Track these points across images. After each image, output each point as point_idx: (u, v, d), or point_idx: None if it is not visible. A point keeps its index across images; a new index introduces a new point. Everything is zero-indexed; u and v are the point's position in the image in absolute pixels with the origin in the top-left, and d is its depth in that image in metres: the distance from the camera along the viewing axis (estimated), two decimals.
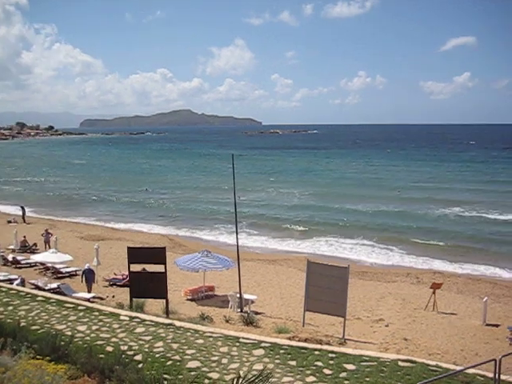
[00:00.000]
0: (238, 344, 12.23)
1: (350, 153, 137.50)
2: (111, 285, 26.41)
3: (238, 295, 22.66)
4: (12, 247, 33.64)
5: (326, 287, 19.05)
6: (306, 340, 14.34)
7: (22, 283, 23.93)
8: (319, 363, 10.90)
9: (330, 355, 11.39)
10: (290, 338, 14.06)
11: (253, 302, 23.36)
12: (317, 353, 11.58)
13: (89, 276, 24.93)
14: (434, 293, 23.67)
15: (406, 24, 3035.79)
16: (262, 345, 12.14)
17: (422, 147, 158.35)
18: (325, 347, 12.38)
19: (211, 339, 12.60)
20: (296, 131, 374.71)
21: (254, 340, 12.54)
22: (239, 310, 22.27)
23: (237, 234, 23.87)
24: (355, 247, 37.80)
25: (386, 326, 21.24)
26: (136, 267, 19.46)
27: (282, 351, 11.68)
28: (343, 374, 10.27)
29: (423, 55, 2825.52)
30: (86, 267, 25.27)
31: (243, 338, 12.76)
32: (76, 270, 28.17)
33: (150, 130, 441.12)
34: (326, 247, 38.01)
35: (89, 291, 24.27)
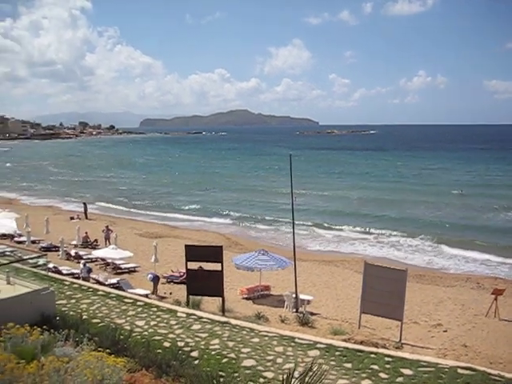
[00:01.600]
0: (293, 344, 12.20)
1: (414, 154, 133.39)
2: (169, 282, 26.85)
3: (294, 295, 22.62)
4: (74, 243, 34.68)
5: (383, 290, 18.75)
6: (361, 342, 14.17)
7: (89, 272, 24.81)
8: (375, 366, 10.74)
9: (387, 359, 11.21)
10: (345, 340, 13.94)
11: (308, 302, 23.26)
12: (373, 356, 11.42)
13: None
14: (495, 299, 22.88)
15: (468, 21, 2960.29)
16: (318, 346, 12.07)
17: (492, 149, 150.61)
18: (381, 350, 12.20)
19: (266, 338, 12.63)
20: (353, 131, 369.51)
21: (310, 341, 12.49)
22: (295, 310, 22.23)
23: (293, 234, 23.83)
24: (413, 250, 37.06)
25: (445, 331, 20.73)
26: (193, 265, 19.70)
27: (337, 353, 11.58)
28: (400, 379, 10.08)
29: (486, 53, 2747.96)
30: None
31: (298, 338, 12.73)
32: (135, 267, 28.81)
33: (207, 130, 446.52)
34: (383, 249, 37.42)
35: (153, 292, 24.82)
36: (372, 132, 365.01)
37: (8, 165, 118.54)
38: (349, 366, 10.82)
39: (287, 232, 36.30)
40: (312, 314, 21.63)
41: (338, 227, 45.16)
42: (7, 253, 26.44)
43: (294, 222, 24.01)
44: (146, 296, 21.11)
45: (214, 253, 18.94)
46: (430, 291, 27.02)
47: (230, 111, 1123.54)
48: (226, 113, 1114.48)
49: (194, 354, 11.65)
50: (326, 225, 46.04)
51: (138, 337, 12.65)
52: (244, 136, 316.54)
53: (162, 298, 24.06)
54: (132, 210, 55.79)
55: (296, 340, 12.48)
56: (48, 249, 32.03)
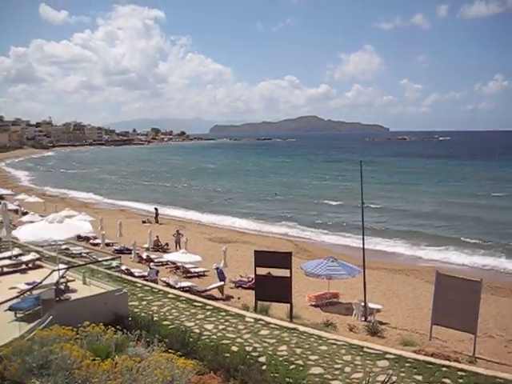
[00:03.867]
0: (361, 353, 12.05)
1: (492, 162, 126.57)
2: (237, 287, 27.05)
3: (363, 304, 22.29)
4: (146, 246, 35.52)
5: (456, 301, 18.15)
6: (432, 355, 13.77)
7: (156, 274, 25.45)
8: (447, 380, 10.44)
9: (459, 373, 10.87)
10: (416, 352, 13.60)
11: (378, 311, 22.85)
12: (444, 369, 11.10)
13: (221, 276, 26.19)
14: None
15: None
16: (387, 356, 11.87)
17: None
18: (453, 364, 11.84)
19: (335, 346, 12.53)
20: (425, 138, 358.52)
21: (379, 350, 12.30)
22: (363, 319, 21.89)
23: (363, 240, 23.50)
24: (488, 260, 35.62)
25: None
26: (262, 271, 19.78)
27: (407, 364, 11.34)
28: None
29: None
30: (215, 266, 26.68)
31: (367, 347, 12.56)
32: (204, 271, 29.21)
33: (276, 136, 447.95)
34: (456, 258, 36.15)
35: (220, 291, 25.26)
36: (445, 138, 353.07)
37: (84, 170, 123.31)
38: (419, 378, 10.58)
39: (357, 238, 35.70)
40: (381, 323, 21.21)
41: (410, 234, 44.10)
42: (83, 254, 27.52)
43: (363, 230, 23.66)
44: (218, 289, 21.54)
45: (282, 259, 18.96)
46: (507, 304, 25.90)
47: (299, 117, 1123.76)
48: (295, 119, 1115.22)
49: (262, 359, 11.70)
50: (397, 231, 45.16)
51: (207, 340, 12.84)
52: (313, 142, 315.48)
53: (227, 298, 24.45)
54: (202, 214, 56.56)
55: (365, 349, 12.32)
56: (121, 251, 33.02)
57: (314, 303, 24.57)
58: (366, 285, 22.48)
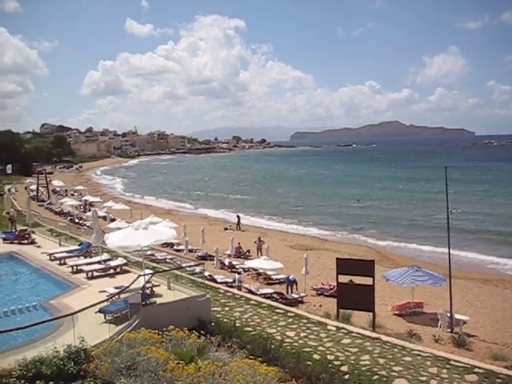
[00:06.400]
0: (448, 366, 11.65)
1: None
2: (319, 294, 26.88)
3: (449, 314, 21.54)
4: (228, 252, 35.95)
5: None
6: None
7: (240, 281, 25.76)
8: None
9: None
10: (507, 367, 12.97)
11: (464, 322, 21.99)
12: None
13: (289, 280, 26.61)
14: None
15: None
16: (476, 370, 11.40)
17: None
18: None
19: (419, 358, 12.18)
20: None
21: (467, 364, 11.83)
22: (449, 330, 21.14)
23: (449, 249, 22.74)
24: None
25: None
26: (343, 278, 19.57)
27: (498, 380, 10.84)
28: None
29: None
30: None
31: (454, 360, 12.12)
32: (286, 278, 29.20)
33: (357, 142, 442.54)
34: None
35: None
36: None
37: (168, 178, 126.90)
38: None
39: (441, 247, 34.55)
40: (468, 335, 20.42)
41: (500, 242, 42.26)
42: (167, 260, 28.24)
43: (449, 238, 22.89)
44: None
45: (365, 267, 18.69)
46: None
47: (381, 123, 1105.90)
48: (377, 125, 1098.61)
49: (344, 368, 11.56)
50: (487, 239, 43.40)
51: (289, 347, 12.83)
52: (395, 148, 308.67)
53: (295, 301, 24.34)
54: (282, 221, 56.75)
55: (451, 362, 11.91)
56: (204, 258, 33.65)
57: (397, 312, 24.00)
58: (451, 294, 21.73)
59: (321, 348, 12.88)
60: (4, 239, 27.98)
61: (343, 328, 14.54)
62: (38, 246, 26.33)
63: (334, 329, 14.43)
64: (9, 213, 32.83)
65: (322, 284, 27.68)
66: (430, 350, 13.13)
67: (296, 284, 26.86)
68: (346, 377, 11.01)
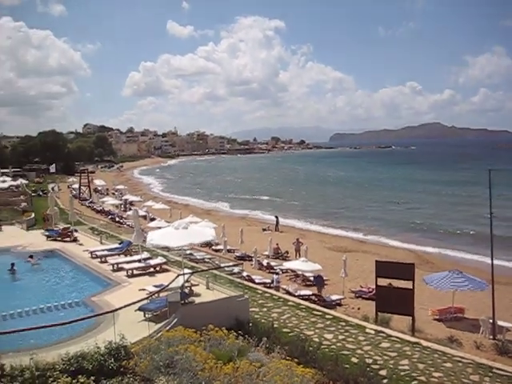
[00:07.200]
0: (490, 374, 11.40)
1: None
2: (357, 297, 26.65)
3: (491, 320, 21.06)
4: (266, 253, 35.97)
5: None
6: None
7: (278, 282, 25.76)
8: None
9: None
10: None
11: (508, 330, 21.48)
12: None
13: (318, 281, 26.50)
14: None
15: None
16: None
17: None
18: None
19: (460, 364, 11.96)
20: None
21: (511, 373, 11.55)
22: (491, 337, 20.67)
23: (492, 253, 22.18)
24: None
25: None
26: (382, 281, 19.36)
27: None
28: None
29: None
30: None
31: (497, 368, 11.85)
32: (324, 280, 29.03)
33: (397, 144, 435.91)
34: None
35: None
36: None
37: (207, 178, 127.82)
38: None
39: (483, 251, 33.76)
40: None
41: None
42: (206, 260, 28.43)
43: (492, 242, 22.38)
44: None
45: (405, 270, 18.49)
46: None
47: (422, 124, 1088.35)
48: (417, 126, 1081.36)
49: (383, 372, 11.46)
50: None
51: (326, 350, 12.78)
52: (435, 150, 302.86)
53: (333, 303, 24.15)
54: (320, 222, 56.45)
55: (494, 370, 11.66)
56: (242, 258, 33.75)
57: (437, 317, 23.59)
58: (494, 300, 21.23)
59: (359, 351, 12.78)
60: (48, 237, 28.72)
61: (382, 331, 14.40)
62: (80, 244, 26.92)
63: (373, 332, 14.31)
64: (44, 212, 33.67)
65: (361, 286, 27.42)
66: (472, 356, 12.89)
67: (323, 280, 26.92)
68: (385, 381, 10.91)
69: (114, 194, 74.51)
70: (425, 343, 13.59)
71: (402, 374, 11.39)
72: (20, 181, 65.72)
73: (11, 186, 59.89)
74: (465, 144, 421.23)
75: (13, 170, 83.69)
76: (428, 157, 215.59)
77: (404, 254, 39.05)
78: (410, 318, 18.34)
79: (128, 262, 21.11)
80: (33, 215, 35.72)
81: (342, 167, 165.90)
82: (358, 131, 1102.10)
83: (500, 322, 21.28)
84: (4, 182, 59.34)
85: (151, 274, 19.82)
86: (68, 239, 28.11)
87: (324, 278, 28.35)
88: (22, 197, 52.68)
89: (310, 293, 25.58)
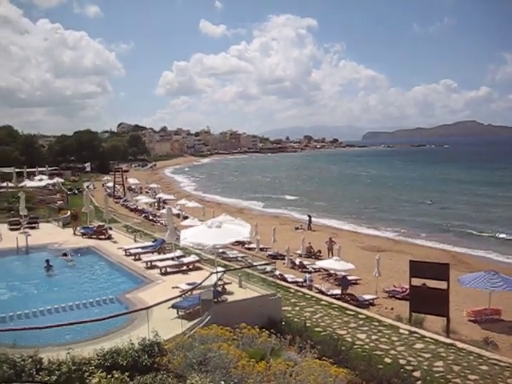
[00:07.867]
0: None
1: None
2: (390, 296, 26.41)
3: None
4: (299, 252, 35.89)
5: None
6: None
7: (311, 281, 25.70)
8: None
9: None
10: None
11: None
12: None
13: (343, 282, 26.26)
14: None
15: None
16: None
17: None
18: None
19: (497, 367, 11.75)
20: None
21: None
22: None
23: None
24: None
25: None
26: (416, 281, 19.15)
27: None
28: None
29: None
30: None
31: None
32: (357, 279, 28.86)
33: (430, 142, 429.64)
34: None
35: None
36: None
37: (240, 177, 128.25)
38: None
39: None
40: None
41: None
42: (239, 258, 28.52)
43: None
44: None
45: (439, 270, 18.24)
46: None
47: (456, 123, 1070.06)
48: (452, 124, 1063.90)
49: (416, 374, 11.34)
50: None
51: (359, 350, 12.70)
52: (470, 149, 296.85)
53: (366, 303, 23.96)
54: (353, 222, 56.09)
55: None
56: (274, 257, 33.73)
57: (472, 318, 23.21)
58: None
59: (392, 352, 12.67)
60: (83, 234, 29.21)
61: (416, 332, 14.24)
62: (115, 242, 27.31)
63: (407, 333, 14.16)
64: (72, 210, 34.20)
65: (394, 286, 27.16)
66: (509, 359, 12.63)
67: (348, 282, 26.76)
68: (419, 383, 10.79)
69: (147, 192, 75.21)
70: (460, 345, 13.40)
71: (437, 375, 11.25)
72: (56, 179, 66.85)
73: (48, 184, 61.05)
74: (501, 143, 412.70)
75: (49, 168, 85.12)
76: (462, 156, 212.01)
77: (438, 253, 38.51)
78: (445, 318, 18.08)
79: (161, 260, 21.34)
80: (69, 213, 36.30)
81: (374, 166, 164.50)
82: (391, 130, 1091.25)
83: None
84: (41, 180, 60.66)
85: (184, 272, 19.99)
86: (102, 237, 28.56)
87: (353, 279, 28.24)
88: (58, 195, 53.80)
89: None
